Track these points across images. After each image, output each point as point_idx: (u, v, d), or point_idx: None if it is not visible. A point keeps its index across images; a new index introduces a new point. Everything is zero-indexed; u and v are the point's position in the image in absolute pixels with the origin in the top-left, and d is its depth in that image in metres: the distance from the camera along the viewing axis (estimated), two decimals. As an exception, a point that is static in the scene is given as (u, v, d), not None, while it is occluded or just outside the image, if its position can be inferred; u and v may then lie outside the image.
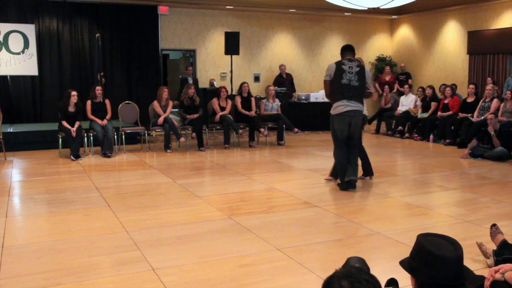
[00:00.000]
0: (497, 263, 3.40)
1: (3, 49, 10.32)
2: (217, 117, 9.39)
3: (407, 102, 11.26)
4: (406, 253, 2.07)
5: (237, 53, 11.66)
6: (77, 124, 8.27)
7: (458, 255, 1.93)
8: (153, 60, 12.02)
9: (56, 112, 8.62)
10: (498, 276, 2.34)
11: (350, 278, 1.42)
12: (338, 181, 6.05)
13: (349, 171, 5.80)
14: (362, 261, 1.89)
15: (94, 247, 3.97)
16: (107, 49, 11.46)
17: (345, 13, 13.58)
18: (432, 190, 6.03)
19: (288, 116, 10.42)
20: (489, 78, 11.04)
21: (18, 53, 10.40)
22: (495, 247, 3.56)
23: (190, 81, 11.38)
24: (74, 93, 8.33)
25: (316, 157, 8.48)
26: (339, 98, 5.66)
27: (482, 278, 2.48)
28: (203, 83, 12.45)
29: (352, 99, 5.66)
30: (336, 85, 5.67)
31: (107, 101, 8.85)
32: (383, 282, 2.07)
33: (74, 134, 8.12)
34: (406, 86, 11.70)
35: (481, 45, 12.20)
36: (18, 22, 10.52)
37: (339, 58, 5.91)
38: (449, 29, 13.24)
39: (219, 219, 4.75)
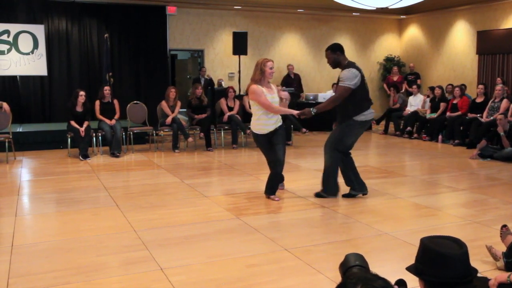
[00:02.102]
0: (507, 265, 3.38)
1: (13, 50, 10.39)
2: (225, 117, 9.39)
3: (416, 102, 11.20)
4: (414, 254, 2.07)
5: (245, 53, 11.65)
6: (85, 124, 8.29)
7: (463, 252, 1.94)
8: (161, 60, 12.07)
9: (65, 112, 8.66)
10: (503, 278, 2.35)
11: (366, 285, 1.39)
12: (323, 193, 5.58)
13: (362, 183, 5.54)
14: (361, 258, 1.84)
15: (102, 247, 3.97)
16: (116, 49, 11.51)
17: (354, 13, 13.55)
18: (440, 191, 5.99)
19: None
20: (498, 78, 10.96)
21: (28, 54, 10.46)
22: (504, 249, 3.52)
23: (203, 81, 11.44)
24: (82, 93, 8.35)
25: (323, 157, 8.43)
26: (368, 106, 5.31)
27: (486, 279, 2.48)
28: (211, 83, 12.46)
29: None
30: (362, 91, 5.24)
31: (115, 101, 8.88)
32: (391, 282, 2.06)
33: (82, 134, 8.15)
34: (415, 86, 11.64)
35: (490, 45, 12.12)
36: (27, 22, 10.60)
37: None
38: (458, 29, 13.16)
39: (226, 219, 4.75)
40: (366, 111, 5.27)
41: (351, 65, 5.26)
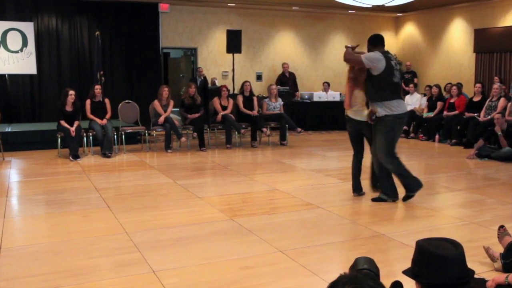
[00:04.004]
0: (504, 266, 3.36)
1: (1, 48, 10.26)
2: (219, 116, 9.31)
3: (413, 102, 11.14)
4: (411, 255, 2.06)
5: (239, 51, 11.58)
6: (76, 123, 8.20)
7: (460, 253, 1.95)
8: (154, 59, 11.99)
9: (55, 111, 8.56)
10: (501, 279, 2.42)
11: (354, 284, 1.40)
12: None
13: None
14: (371, 262, 1.88)
15: (93, 249, 3.93)
16: (107, 48, 11.41)
17: (349, 11, 13.50)
18: (437, 191, 5.96)
19: (291, 115, 10.34)
20: (496, 77, 10.93)
21: (17, 52, 10.34)
22: (502, 250, 3.50)
23: (199, 82, 11.38)
24: (71, 92, 8.26)
25: (319, 157, 8.41)
26: (391, 97, 5.06)
27: (483, 281, 2.46)
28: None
29: (402, 99, 5.26)
30: (386, 82, 5.06)
31: (106, 100, 8.79)
32: (387, 284, 2.01)
33: (73, 134, 8.05)
34: (412, 85, 11.59)
35: (488, 43, 12.10)
36: (16, 20, 10.48)
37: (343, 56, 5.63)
38: (455, 27, 13.14)
39: (220, 221, 4.70)
40: (390, 102, 5.07)
41: (381, 52, 5.16)
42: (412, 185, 5.32)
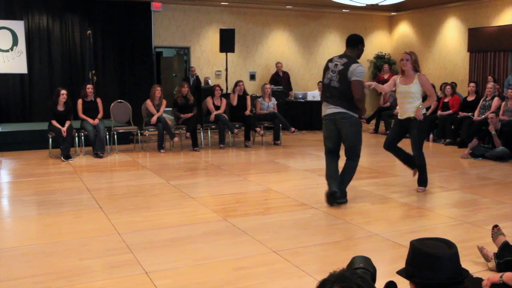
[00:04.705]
0: (498, 265, 3.36)
1: (-9, 47, 10.20)
2: (212, 116, 9.26)
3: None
4: (405, 255, 2.06)
5: (232, 50, 11.55)
6: (67, 123, 8.13)
7: (453, 252, 1.97)
8: (146, 58, 11.93)
9: (46, 111, 8.49)
10: (496, 279, 2.42)
11: (342, 283, 1.42)
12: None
13: (334, 183, 5.19)
14: (367, 261, 1.89)
15: (85, 250, 3.90)
16: (99, 47, 11.34)
17: (343, 10, 13.51)
18: (432, 191, 5.94)
19: (285, 115, 10.32)
20: (489, 77, 10.96)
21: (7, 51, 10.27)
22: (496, 250, 3.49)
23: (192, 81, 11.34)
24: (63, 92, 8.18)
25: (313, 157, 8.39)
26: (323, 100, 5.23)
27: (479, 280, 2.47)
28: (198, 82, 12.33)
29: (331, 101, 5.07)
30: (323, 86, 5.29)
31: (98, 100, 8.72)
32: (382, 285, 1.99)
33: (64, 134, 7.99)
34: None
35: (481, 43, 12.14)
36: (6, 18, 10.39)
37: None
38: (449, 26, 13.18)
39: (214, 221, 4.67)
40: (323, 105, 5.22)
41: (336, 56, 5.32)
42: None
